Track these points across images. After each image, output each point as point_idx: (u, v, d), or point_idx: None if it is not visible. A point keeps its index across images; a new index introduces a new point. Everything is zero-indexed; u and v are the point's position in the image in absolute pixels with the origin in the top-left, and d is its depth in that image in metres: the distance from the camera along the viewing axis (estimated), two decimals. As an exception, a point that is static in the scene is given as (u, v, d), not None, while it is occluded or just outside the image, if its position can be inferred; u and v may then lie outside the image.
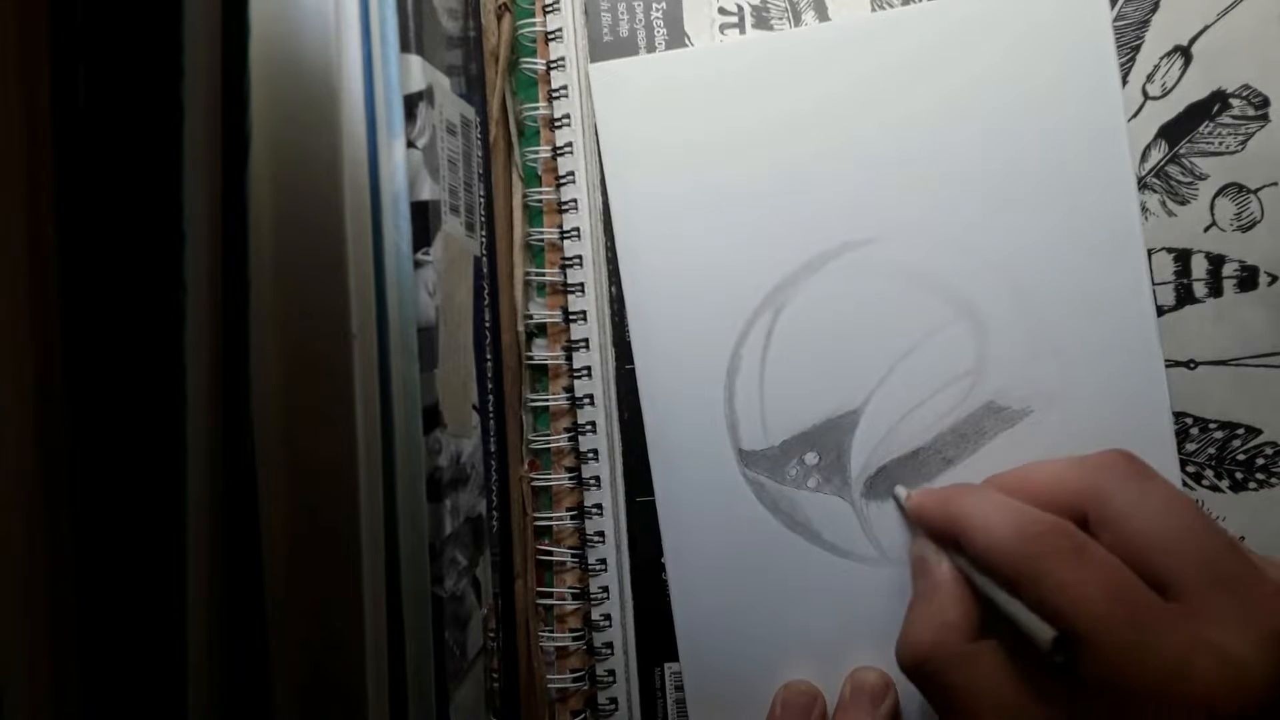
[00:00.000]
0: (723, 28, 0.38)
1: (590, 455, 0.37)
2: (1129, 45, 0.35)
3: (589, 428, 0.37)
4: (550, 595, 0.38)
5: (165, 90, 0.24)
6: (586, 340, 0.38)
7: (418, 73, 0.32)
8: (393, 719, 0.27)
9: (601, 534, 0.37)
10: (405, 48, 0.31)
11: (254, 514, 0.25)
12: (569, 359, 0.38)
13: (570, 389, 0.38)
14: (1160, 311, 0.34)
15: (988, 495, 0.31)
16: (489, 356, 0.37)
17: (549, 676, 0.37)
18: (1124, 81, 0.35)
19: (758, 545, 0.36)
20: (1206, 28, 0.34)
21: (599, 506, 0.37)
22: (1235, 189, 0.34)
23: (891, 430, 0.36)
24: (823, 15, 0.37)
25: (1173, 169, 0.34)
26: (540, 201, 0.38)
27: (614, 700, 0.37)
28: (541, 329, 0.38)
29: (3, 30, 0.22)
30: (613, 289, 0.38)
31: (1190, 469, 0.34)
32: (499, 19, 0.38)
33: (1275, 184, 0.34)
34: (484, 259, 0.37)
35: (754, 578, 0.36)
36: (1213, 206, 0.34)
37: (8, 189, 0.23)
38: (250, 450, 0.25)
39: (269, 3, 0.26)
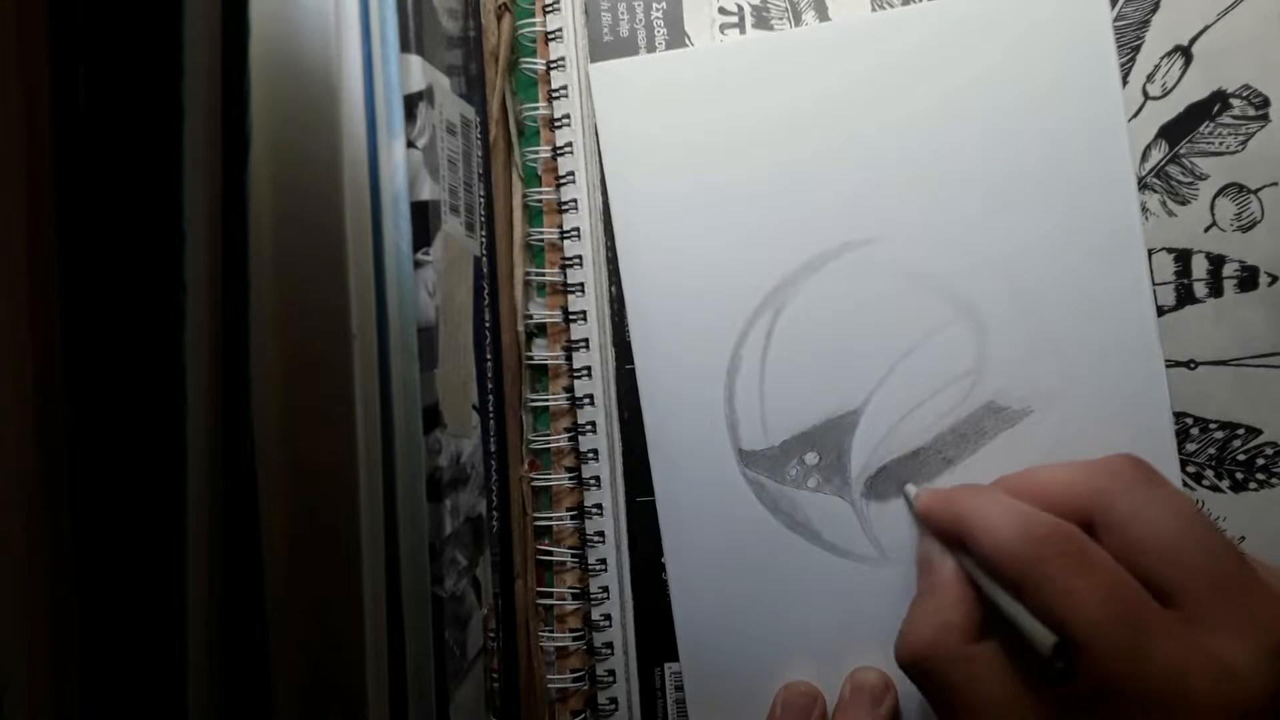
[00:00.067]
0: (723, 28, 0.38)
1: (590, 455, 0.37)
2: (1129, 45, 0.35)
3: (589, 428, 0.37)
4: (550, 595, 0.38)
5: (165, 90, 0.24)
6: (586, 340, 0.38)
7: (418, 73, 0.32)
8: (393, 719, 0.27)
9: (601, 534, 0.37)
10: (405, 48, 0.31)
11: (254, 514, 0.25)
12: (569, 359, 0.38)
13: (570, 389, 0.38)
14: (1160, 311, 0.34)
15: (993, 497, 0.31)
16: (489, 356, 0.37)
17: (549, 676, 0.37)
18: (1124, 81, 0.35)
19: (758, 545, 0.36)
20: (1207, 28, 0.34)
21: (599, 506, 0.37)
22: (1235, 189, 0.34)
23: (892, 430, 0.35)
24: (823, 15, 0.37)
25: (1173, 169, 0.34)
26: (540, 201, 0.38)
27: (614, 700, 0.37)
28: (541, 329, 0.38)
29: (3, 30, 0.22)
30: (613, 289, 0.38)
31: (1190, 469, 0.34)
32: (499, 19, 0.38)
33: (1275, 184, 0.34)
34: (484, 259, 0.37)
35: (754, 578, 0.36)
36: (1213, 206, 0.34)
37: (8, 189, 0.23)
38: (250, 450, 0.25)
39: (269, 3, 0.26)
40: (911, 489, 0.35)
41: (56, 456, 0.23)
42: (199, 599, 0.24)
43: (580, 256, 0.38)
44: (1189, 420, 0.34)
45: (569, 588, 0.38)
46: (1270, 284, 0.34)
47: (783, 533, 0.36)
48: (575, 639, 0.37)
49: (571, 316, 0.38)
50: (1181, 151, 0.34)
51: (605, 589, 0.37)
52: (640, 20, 0.38)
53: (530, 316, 0.38)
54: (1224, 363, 0.34)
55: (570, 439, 0.38)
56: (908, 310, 0.35)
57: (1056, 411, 0.35)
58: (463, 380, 0.34)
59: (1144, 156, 0.35)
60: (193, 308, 0.24)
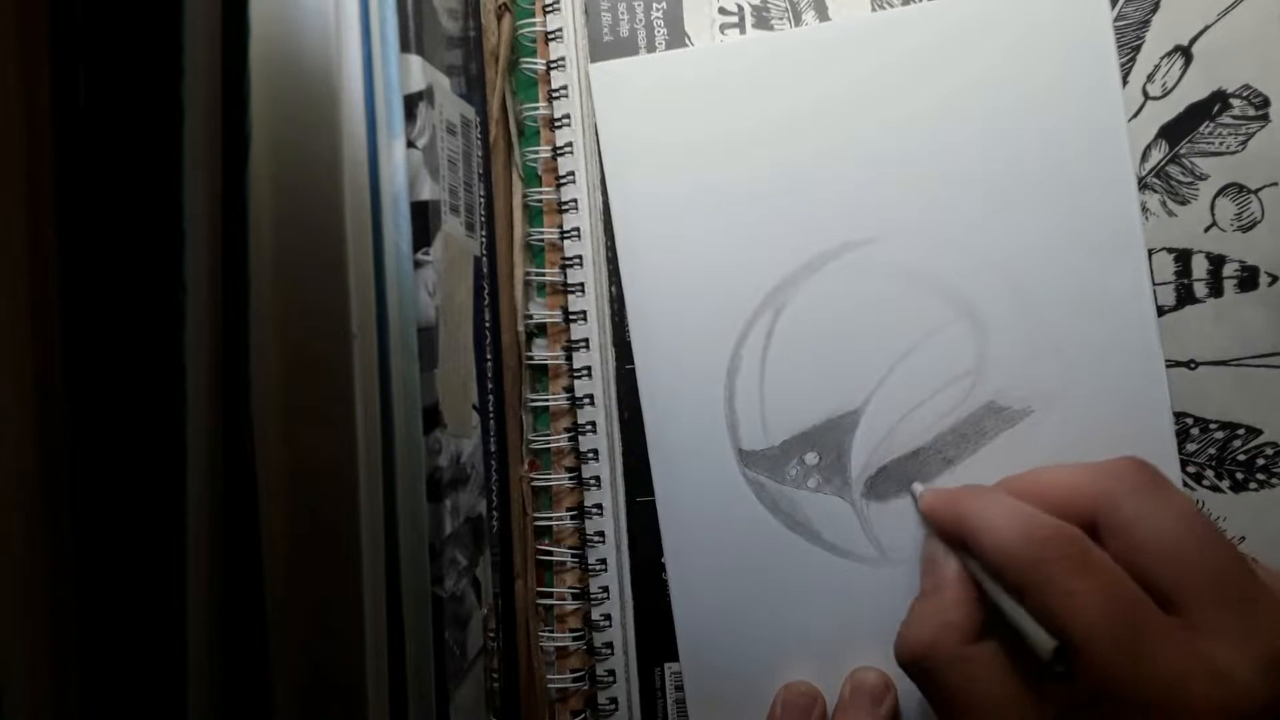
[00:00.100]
0: (723, 28, 0.38)
1: (590, 455, 0.37)
2: (1129, 45, 0.35)
3: (589, 428, 0.37)
4: (550, 595, 0.38)
5: (165, 90, 0.24)
6: (586, 340, 0.38)
7: (418, 73, 0.32)
8: (393, 719, 0.27)
9: (601, 534, 0.37)
10: (405, 48, 0.31)
11: (254, 514, 0.25)
12: (569, 359, 0.38)
13: (570, 389, 0.38)
14: (1160, 311, 0.34)
15: (997, 498, 0.31)
16: (489, 356, 0.37)
17: (549, 676, 0.37)
18: (1124, 81, 0.35)
19: (758, 545, 0.36)
20: (1207, 28, 0.34)
21: (599, 506, 0.37)
22: (1235, 189, 0.34)
23: (892, 430, 0.35)
24: (823, 15, 0.37)
25: (1173, 169, 0.34)
26: (540, 201, 0.38)
27: (614, 700, 0.37)
28: (541, 329, 0.38)
29: (3, 30, 0.22)
30: (613, 289, 0.38)
31: (1190, 469, 0.34)
32: (499, 19, 0.38)
33: (1275, 184, 0.34)
34: (484, 259, 0.37)
35: (754, 578, 0.36)
36: (1213, 206, 0.34)
37: (8, 189, 0.23)
38: (250, 450, 0.25)
39: (269, 3, 0.26)
40: (918, 487, 0.35)
41: (56, 456, 0.23)
42: (199, 599, 0.24)
43: (580, 256, 0.38)
44: (1189, 420, 0.34)
45: (569, 588, 0.38)
46: (1270, 284, 0.34)
47: (783, 533, 0.36)
48: (575, 639, 0.37)
49: (571, 316, 0.38)
50: (1181, 151, 0.34)
51: (605, 589, 0.37)
52: (640, 20, 0.38)
53: (530, 316, 0.38)
54: (1224, 363, 0.34)
55: (570, 439, 0.38)
56: (908, 310, 0.35)
57: (1057, 411, 0.35)
58: (463, 380, 0.34)
59: (1144, 156, 0.35)
60: (193, 308, 0.24)
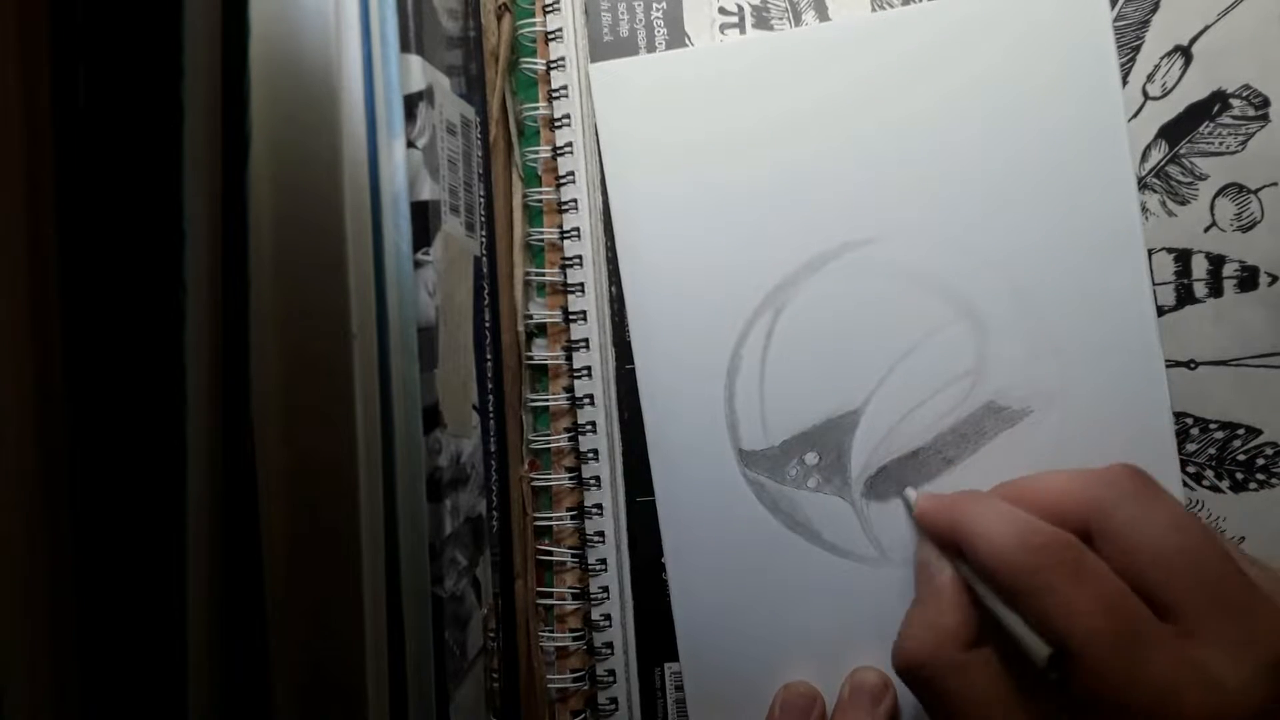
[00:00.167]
0: (723, 28, 0.38)
1: (590, 455, 0.37)
2: (1129, 45, 0.35)
3: (589, 428, 0.37)
4: (550, 595, 0.38)
5: (165, 90, 0.24)
6: (586, 340, 0.38)
7: (418, 73, 0.32)
8: (393, 719, 0.27)
9: (601, 534, 0.37)
10: (405, 48, 0.31)
11: (254, 514, 0.25)
12: (569, 359, 0.38)
13: (570, 389, 0.38)
14: (1160, 311, 0.34)
15: (992, 504, 0.31)
16: (489, 356, 0.37)
17: (549, 676, 0.37)
18: (1124, 81, 0.35)
19: (758, 545, 0.36)
20: (1207, 28, 0.34)
21: (599, 506, 0.37)
22: (1235, 189, 0.34)
23: (892, 430, 0.35)
24: (823, 15, 0.37)
25: (1173, 169, 0.34)
26: (540, 201, 0.38)
27: (614, 700, 0.37)
28: (541, 329, 0.38)
29: (3, 30, 0.22)
30: (613, 289, 0.38)
31: (1190, 469, 0.34)
32: (499, 19, 0.38)
33: (1275, 184, 0.34)
34: (484, 259, 0.37)
35: (754, 578, 0.36)
36: (1213, 206, 0.34)
37: (8, 189, 0.23)
38: (250, 450, 0.25)
39: (269, 3, 0.26)
40: (911, 493, 0.35)
41: (56, 456, 0.23)
42: (199, 599, 0.24)
43: (580, 256, 0.38)
44: (1189, 420, 0.34)
45: (569, 588, 0.38)
46: (1270, 284, 0.34)
47: (783, 533, 0.36)
48: (575, 639, 0.37)
49: (571, 316, 0.38)
50: (1181, 151, 0.34)
51: (605, 589, 0.37)
52: (640, 20, 0.38)
53: (530, 316, 0.38)
54: (1224, 363, 0.34)
55: (570, 439, 0.38)
56: (908, 310, 0.35)
57: (1056, 411, 0.35)
58: (463, 380, 0.34)
59: (1144, 156, 0.35)
60: (193, 308, 0.24)
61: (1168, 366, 0.34)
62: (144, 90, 0.24)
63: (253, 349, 0.25)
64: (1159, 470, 0.31)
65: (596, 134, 0.38)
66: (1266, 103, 0.34)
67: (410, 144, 0.31)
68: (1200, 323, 0.34)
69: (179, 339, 0.24)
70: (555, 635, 0.37)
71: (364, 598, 0.26)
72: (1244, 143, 0.34)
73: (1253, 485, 0.34)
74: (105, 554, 0.23)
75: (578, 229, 0.38)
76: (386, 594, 0.27)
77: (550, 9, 0.38)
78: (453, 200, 0.34)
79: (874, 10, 0.37)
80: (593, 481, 0.37)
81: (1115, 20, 0.35)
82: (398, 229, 0.30)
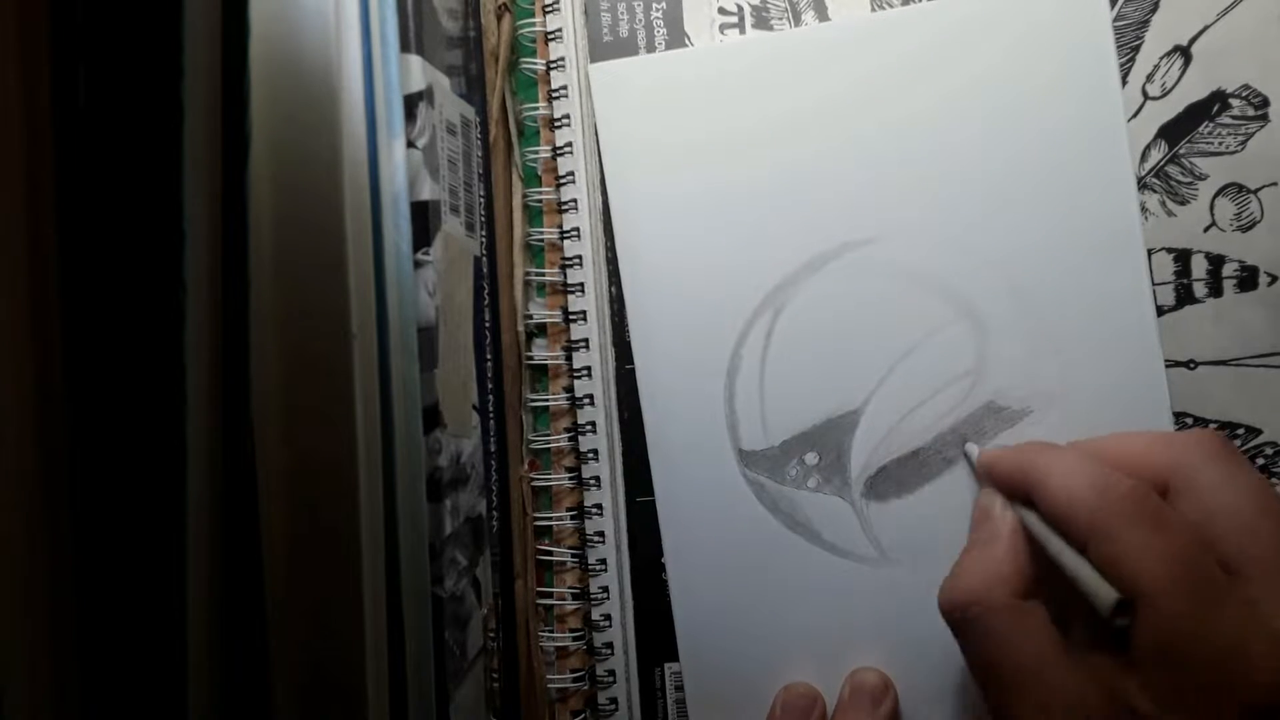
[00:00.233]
0: (723, 28, 0.38)
1: (590, 455, 0.37)
2: (1129, 45, 0.35)
3: (589, 428, 0.37)
4: (550, 595, 0.38)
5: (165, 90, 0.24)
6: (586, 340, 0.38)
7: (418, 73, 0.32)
8: (393, 719, 0.27)
9: (601, 534, 0.37)
10: (405, 48, 0.31)
11: (254, 514, 0.25)
12: (569, 359, 0.38)
13: (570, 389, 0.38)
14: (1160, 311, 0.34)
15: (1068, 452, 0.31)
16: (489, 356, 0.37)
17: (549, 676, 0.37)
18: (1124, 81, 0.35)
19: (758, 545, 0.36)
20: (1206, 28, 0.34)
21: (599, 506, 0.37)
22: (1235, 189, 0.34)
23: (892, 430, 0.36)
24: (823, 15, 0.37)
25: (1173, 169, 0.34)
26: (540, 201, 0.38)
27: (614, 700, 0.37)
28: (541, 329, 0.38)
29: (3, 30, 0.22)
30: (613, 289, 0.38)
31: (1190, 469, 0.34)
32: (499, 19, 0.38)
33: (1275, 184, 0.34)
34: (484, 259, 0.37)
35: (754, 578, 0.36)
36: (1212, 206, 0.34)
37: (8, 189, 0.23)
38: (250, 450, 0.25)
39: (269, 3, 0.26)
40: (972, 448, 0.34)
41: (56, 456, 0.23)
42: (199, 599, 0.24)
43: (580, 256, 0.38)
44: (1189, 420, 0.34)
45: (569, 588, 0.38)
46: (1270, 284, 0.34)
47: (783, 533, 0.36)
48: (575, 639, 0.37)
49: (571, 316, 0.38)
50: (1181, 151, 0.34)
51: (605, 589, 0.37)
52: (640, 20, 0.38)
53: (530, 316, 0.38)
54: (1224, 363, 0.34)
55: (570, 439, 0.38)
56: (908, 310, 0.35)
57: (1056, 411, 0.35)
58: (463, 380, 0.34)
59: (1144, 156, 0.35)
60: (193, 308, 0.24)
61: (1168, 366, 0.34)
62: (144, 90, 0.24)
63: (253, 349, 0.25)
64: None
65: (596, 134, 0.38)
66: (1266, 103, 0.34)
67: (410, 144, 0.31)
68: (1200, 323, 0.34)
69: (179, 339, 0.24)
70: (555, 635, 0.37)
71: (364, 598, 0.26)
72: (1244, 143, 0.34)
73: (1253, 485, 0.34)
74: (105, 554, 0.23)
75: (578, 229, 0.38)
76: (386, 594, 0.27)
77: (550, 9, 0.38)
78: (453, 200, 0.34)
79: (874, 10, 0.37)
80: (593, 481, 0.37)
81: (1115, 20, 0.35)
82: (398, 229, 0.30)
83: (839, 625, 0.36)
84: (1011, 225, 0.35)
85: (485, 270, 0.37)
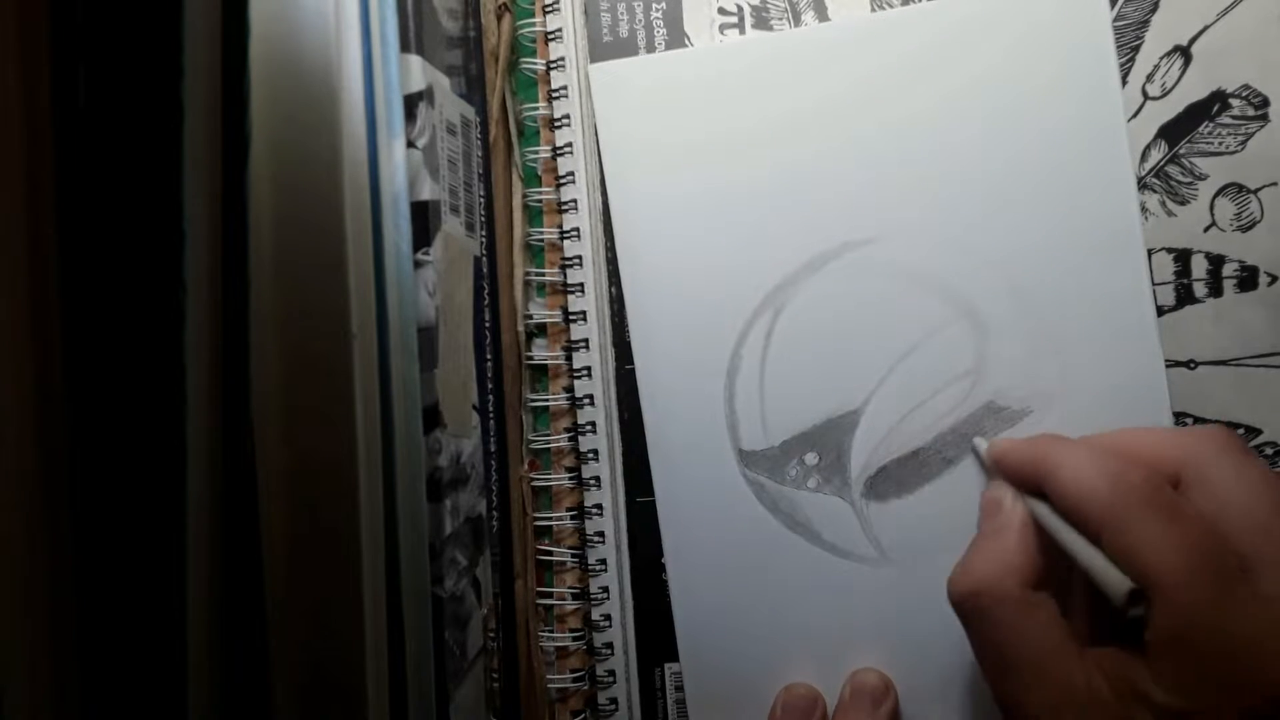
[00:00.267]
0: (722, 28, 0.38)
1: (590, 455, 0.37)
2: (1129, 45, 0.35)
3: (589, 428, 0.37)
4: (550, 595, 0.38)
5: (165, 90, 0.24)
6: (586, 340, 0.38)
7: (418, 73, 0.32)
8: (393, 719, 0.27)
9: (601, 534, 0.37)
10: (405, 48, 0.31)
11: (254, 514, 0.25)
12: (569, 359, 0.38)
13: (570, 389, 0.38)
14: (1160, 311, 0.34)
15: (1081, 444, 0.31)
16: (489, 356, 0.37)
17: (549, 676, 0.37)
18: (1124, 81, 0.35)
19: (758, 545, 0.36)
20: (1206, 28, 0.34)
21: (599, 506, 0.37)
22: (1235, 189, 0.34)
23: (892, 430, 0.35)
24: (823, 15, 0.37)
25: (1173, 169, 0.34)
26: (540, 201, 0.38)
27: (614, 700, 0.37)
28: (541, 329, 0.38)
29: (3, 30, 0.22)
30: (613, 289, 0.38)
31: (1190, 469, 0.34)
32: (499, 19, 0.38)
33: (1275, 184, 0.34)
34: (484, 259, 0.37)
35: (754, 578, 0.36)
36: (1212, 206, 0.34)
37: (8, 189, 0.23)
38: (250, 450, 0.25)
39: (269, 3, 0.26)
40: (980, 442, 0.34)
41: (56, 456, 0.23)
42: (199, 599, 0.24)
43: (580, 256, 0.38)
44: (1189, 420, 0.34)
45: (569, 588, 0.38)
46: (1270, 284, 0.34)
47: (783, 533, 0.36)
48: (575, 639, 0.37)
49: (571, 316, 0.38)
50: (1181, 151, 0.34)
51: (605, 589, 0.37)
52: (640, 20, 0.38)
53: (530, 316, 0.38)
54: (1224, 363, 0.34)
55: (570, 439, 0.38)
56: (908, 310, 0.35)
57: (1056, 411, 0.35)
58: (463, 380, 0.34)
59: (1144, 156, 0.35)
60: (193, 308, 0.24)
61: (1168, 366, 0.34)
62: (144, 90, 0.24)
63: (253, 349, 0.25)
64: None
65: (596, 134, 0.38)
66: (1266, 103, 0.34)
67: (410, 144, 0.31)
68: (1200, 323, 0.34)
69: (179, 339, 0.24)
70: (555, 635, 0.37)
71: (364, 598, 0.26)
72: (1243, 143, 0.34)
73: (1253, 485, 0.34)
74: (105, 554, 0.23)
75: (577, 229, 0.38)
76: (386, 594, 0.27)
77: (550, 9, 0.38)
78: (453, 200, 0.34)
79: (874, 10, 0.37)
80: (593, 481, 0.37)
81: (1115, 20, 0.35)
82: (398, 229, 0.30)
83: (839, 625, 0.36)
84: (1011, 225, 0.35)
85: (485, 270, 0.37)
